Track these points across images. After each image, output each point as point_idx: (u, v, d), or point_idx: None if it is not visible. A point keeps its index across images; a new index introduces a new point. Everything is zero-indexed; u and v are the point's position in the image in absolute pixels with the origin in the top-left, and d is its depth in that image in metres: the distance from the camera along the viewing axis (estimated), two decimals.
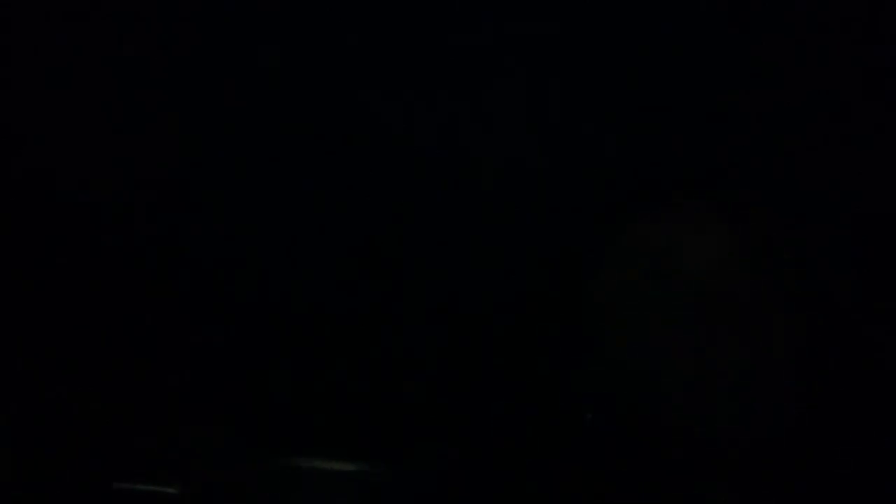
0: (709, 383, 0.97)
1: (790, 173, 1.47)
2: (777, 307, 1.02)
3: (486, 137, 1.51)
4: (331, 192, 1.59)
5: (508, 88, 1.47)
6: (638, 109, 1.48)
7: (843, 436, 1.13)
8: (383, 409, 1.68)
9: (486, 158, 1.51)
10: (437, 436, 1.57)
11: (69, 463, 1.68)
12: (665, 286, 1.03)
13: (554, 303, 1.12)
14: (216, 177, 1.60)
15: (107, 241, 1.68)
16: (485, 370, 1.35)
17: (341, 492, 1.82)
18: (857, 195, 1.50)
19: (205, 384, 1.77)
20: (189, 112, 1.50)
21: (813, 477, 1.04)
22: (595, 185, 1.42)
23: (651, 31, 1.39)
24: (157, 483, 1.82)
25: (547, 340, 1.09)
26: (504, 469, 1.03)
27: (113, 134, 1.55)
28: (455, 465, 1.13)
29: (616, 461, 0.98)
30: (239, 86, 1.48)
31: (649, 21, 1.37)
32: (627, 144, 1.45)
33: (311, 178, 1.60)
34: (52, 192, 1.60)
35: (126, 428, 1.74)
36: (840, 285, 1.29)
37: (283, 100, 1.49)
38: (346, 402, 1.71)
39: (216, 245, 1.70)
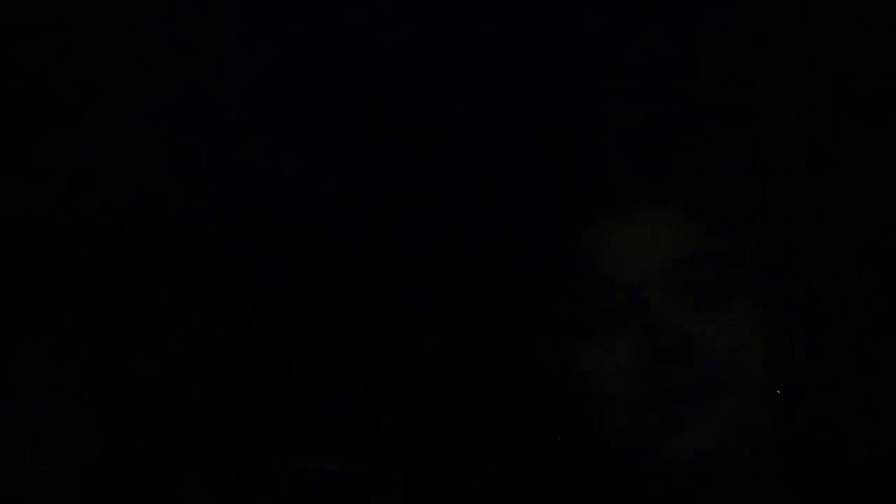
0: (703, 386, 0.98)
1: (789, 174, 1.47)
2: (774, 310, 1.03)
3: (477, 135, 1.52)
4: (325, 189, 1.59)
5: (503, 86, 1.47)
6: (635, 109, 1.48)
7: (845, 439, 1.14)
8: (380, 409, 1.69)
9: (478, 157, 1.51)
10: (431, 437, 1.57)
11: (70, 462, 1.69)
12: (661, 289, 1.03)
13: (546, 305, 1.13)
14: (214, 177, 1.60)
15: (106, 242, 1.69)
16: (479, 373, 1.36)
17: (341, 491, 1.83)
18: (857, 196, 1.50)
19: (204, 385, 1.77)
20: (183, 110, 1.51)
21: (808, 483, 1.04)
22: (593, 186, 1.42)
23: (649, 30, 1.39)
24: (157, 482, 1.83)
25: (539, 344, 1.09)
26: (496, 471, 1.03)
27: (112, 135, 1.56)
28: (447, 467, 1.14)
29: (605, 468, 0.98)
30: (234, 83, 1.49)
31: (646, 19, 1.37)
32: (623, 144, 1.45)
33: (308, 177, 1.60)
34: (53, 195, 1.61)
35: (128, 428, 1.75)
36: (838, 289, 1.29)
37: (279, 98, 1.50)
38: (344, 403, 1.72)
39: (215, 244, 1.70)
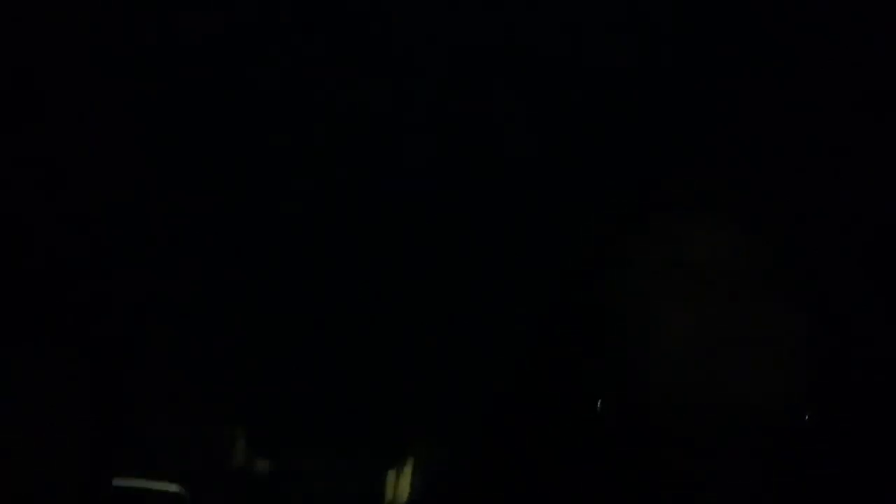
0: (716, 378, 0.98)
1: (793, 173, 1.47)
2: (783, 305, 1.03)
3: (485, 136, 1.51)
4: (337, 193, 1.59)
5: (507, 86, 1.47)
6: (639, 108, 1.48)
7: (847, 435, 1.14)
8: (392, 406, 1.68)
9: (491, 158, 1.51)
10: (445, 433, 1.57)
11: (70, 461, 1.68)
12: (671, 283, 1.04)
13: (562, 300, 1.13)
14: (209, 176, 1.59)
15: (107, 239, 1.68)
16: (494, 367, 1.36)
17: (343, 492, 1.83)
18: (859, 196, 1.50)
19: (205, 384, 1.77)
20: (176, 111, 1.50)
21: (819, 473, 1.04)
22: (602, 182, 1.43)
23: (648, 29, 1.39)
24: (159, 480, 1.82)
25: (555, 336, 1.10)
26: (515, 464, 1.04)
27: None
28: (463, 462, 1.14)
29: (626, 453, 0.99)
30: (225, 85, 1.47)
31: (646, 19, 1.37)
32: (632, 142, 1.46)
33: (310, 178, 1.60)
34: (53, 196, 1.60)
35: (128, 426, 1.74)
36: (845, 286, 1.29)
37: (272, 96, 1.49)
38: (351, 400, 1.71)
39: (216, 243, 1.70)
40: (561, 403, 1.02)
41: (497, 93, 1.44)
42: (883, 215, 1.50)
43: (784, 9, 1.35)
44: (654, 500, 0.97)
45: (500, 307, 1.55)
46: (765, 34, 1.36)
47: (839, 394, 1.07)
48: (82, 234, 1.69)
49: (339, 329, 1.74)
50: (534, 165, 1.51)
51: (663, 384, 0.97)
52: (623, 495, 0.96)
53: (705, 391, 0.95)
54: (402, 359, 1.72)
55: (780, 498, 0.99)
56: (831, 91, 1.41)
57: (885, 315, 1.35)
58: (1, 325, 1.71)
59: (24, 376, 1.73)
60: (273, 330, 1.80)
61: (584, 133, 1.47)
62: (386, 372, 1.74)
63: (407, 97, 1.45)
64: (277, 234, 1.69)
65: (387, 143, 1.52)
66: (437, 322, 1.68)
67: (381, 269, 1.67)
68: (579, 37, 1.35)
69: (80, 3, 1.33)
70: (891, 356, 1.38)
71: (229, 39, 1.38)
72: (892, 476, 1.16)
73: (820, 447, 1.04)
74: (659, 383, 0.97)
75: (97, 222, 1.67)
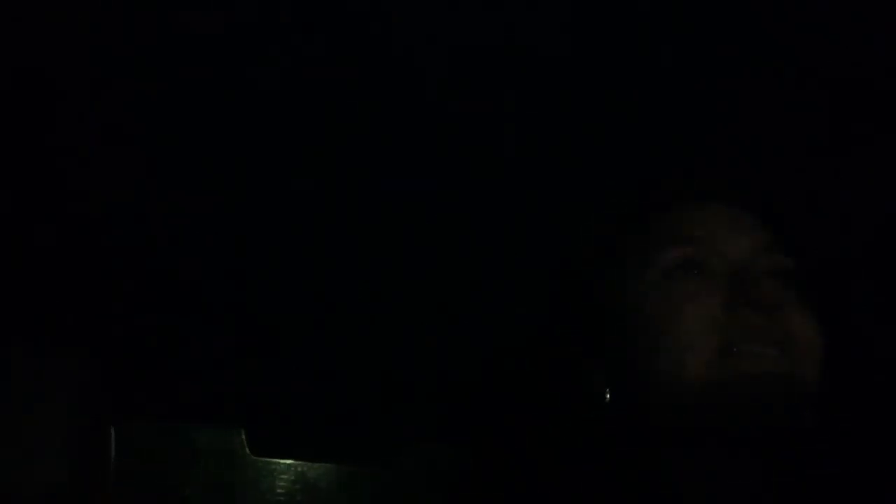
0: (715, 378, 0.99)
1: (793, 172, 1.47)
2: (784, 305, 1.03)
3: (485, 136, 1.52)
4: (337, 193, 1.59)
5: (507, 86, 1.47)
6: (638, 107, 1.48)
7: (847, 435, 1.14)
8: (392, 406, 1.68)
9: (491, 158, 1.51)
10: (445, 433, 1.58)
11: (71, 459, 1.68)
12: (672, 283, 1.04)
13: (562, 300, 1.13)
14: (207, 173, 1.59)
15: (108, 236, 1.69)
16: (494, 367, 1.36)
17: (343, 492, 1.83)
18: (859, 196, 1.50)
19: (206, 382, 1.77)
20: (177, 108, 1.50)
21: (819, 473, 1.05)
22: (602, 182, 1.43)
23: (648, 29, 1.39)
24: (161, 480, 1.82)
25: (555, 336, 1.10)
26: (516, 464, 1.04)
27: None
28: (463, 462, 1.14)
29: (627, 453, 0.99)
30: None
31: (646, 19, 1.37)
32: (632, 142, 1.46)
33: (310, 178, 1.60)
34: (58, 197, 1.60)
35: (128, 424, 1.74)
36: (846, 286, 1.30)
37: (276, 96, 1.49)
38: (351, 400, 1.72)
39: (215, 241, 1.70)
40: (561, 403, 1.02)
41: (497, 93, 1.44)
42: (883, 215, 1.50)
43: (784, 9, 1.35)
44: (654, 500, 0.97)
45: (500, 307, 1.54)
46: (765, 34, 1.36)
47: (839, 394, 1.07)
48: (82, 234, 1.69)
49: (339, 329, 1.74)
50: (534, 165, 1.51)
51: (663, 384, 0.97)
52: (623, 495, 0.97)
53: (705, 391, 0.95)
54: (402, 359, 1.72)
55: (780, 498, 1.00)
56: (831, 91, 1.41)
57: (885, 315, 1.35)
58: (1, 325, 1.71)
59: (25, 376, 1.73)
60: (273, 330, 1.80)
61: (584, 133, 1.47)
62: (386, 372, 1.74)
63: (407, 97, 1.45)
64: (277, 234, 1.69)
65: (387, 143, 1.52)
66: (436, 322, 1.68)
67: (381, 269, 1.66)
68: (579, 37, 1.35)
69: (80, 2, 1.33)
70: (891, 356, 1.38)
71: (229, 39, 1.38)
72: (892, 476, 1.16)
73: (820, 447, 1.04)
74: (659, 383, 0.97)
75: (97, 222, 1.67)
